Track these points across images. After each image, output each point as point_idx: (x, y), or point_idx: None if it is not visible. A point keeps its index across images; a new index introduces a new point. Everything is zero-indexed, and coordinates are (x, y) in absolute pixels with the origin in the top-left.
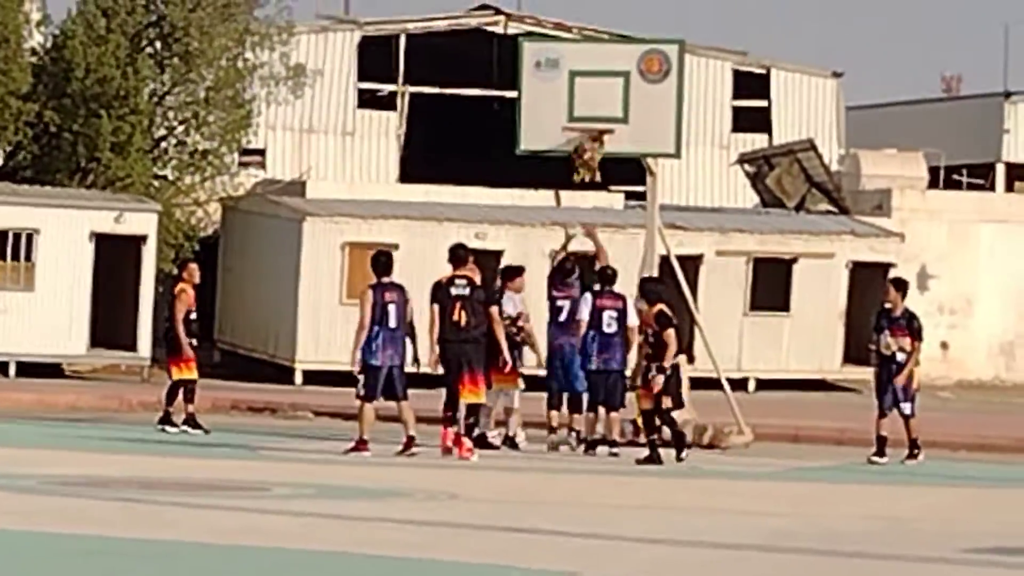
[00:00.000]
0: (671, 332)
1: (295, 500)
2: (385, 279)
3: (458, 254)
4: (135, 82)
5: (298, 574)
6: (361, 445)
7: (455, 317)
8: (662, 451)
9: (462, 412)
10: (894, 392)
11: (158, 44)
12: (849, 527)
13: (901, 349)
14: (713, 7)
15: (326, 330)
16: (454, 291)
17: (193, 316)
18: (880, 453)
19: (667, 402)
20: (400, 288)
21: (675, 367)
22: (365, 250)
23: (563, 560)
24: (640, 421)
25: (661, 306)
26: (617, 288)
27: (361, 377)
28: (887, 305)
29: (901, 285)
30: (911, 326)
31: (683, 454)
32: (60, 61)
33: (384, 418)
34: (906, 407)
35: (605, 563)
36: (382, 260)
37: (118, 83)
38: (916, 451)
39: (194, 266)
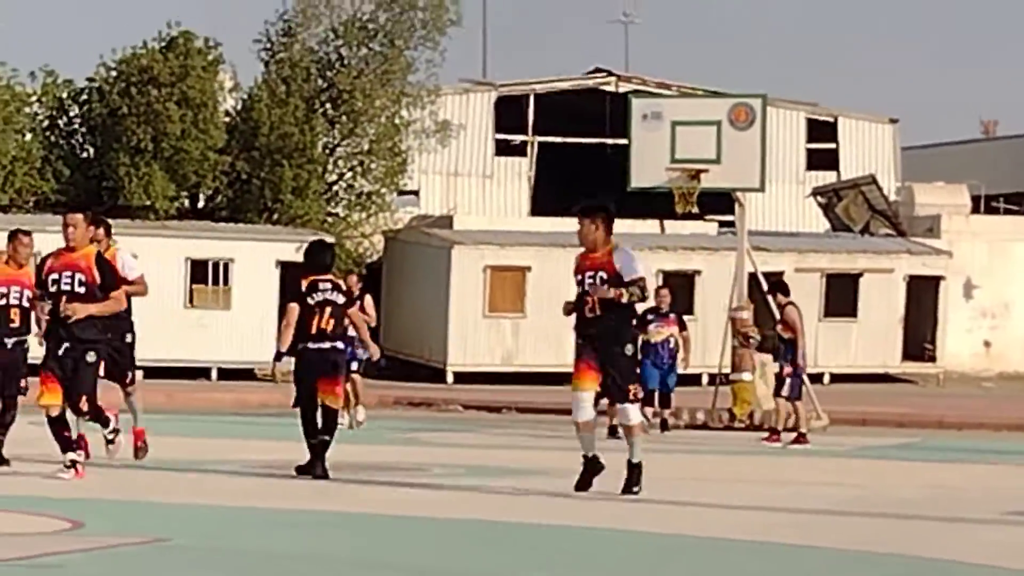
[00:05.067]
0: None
1: (449, 478)
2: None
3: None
4: (311, 137)
5: (458, 540)
6: None
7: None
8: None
9: None
10: None
11: (329, 105)
12: (911, 495)
13: None
14: (789, 66)
15: (472, 337)
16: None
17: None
18: None
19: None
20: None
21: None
22: (503, 272)
23: (660, 524)
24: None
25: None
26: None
27: None
28: None
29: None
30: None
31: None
32: (249, 120)
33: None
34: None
35: (705, 526)
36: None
37: (297, 138)
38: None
39: (353, 278)
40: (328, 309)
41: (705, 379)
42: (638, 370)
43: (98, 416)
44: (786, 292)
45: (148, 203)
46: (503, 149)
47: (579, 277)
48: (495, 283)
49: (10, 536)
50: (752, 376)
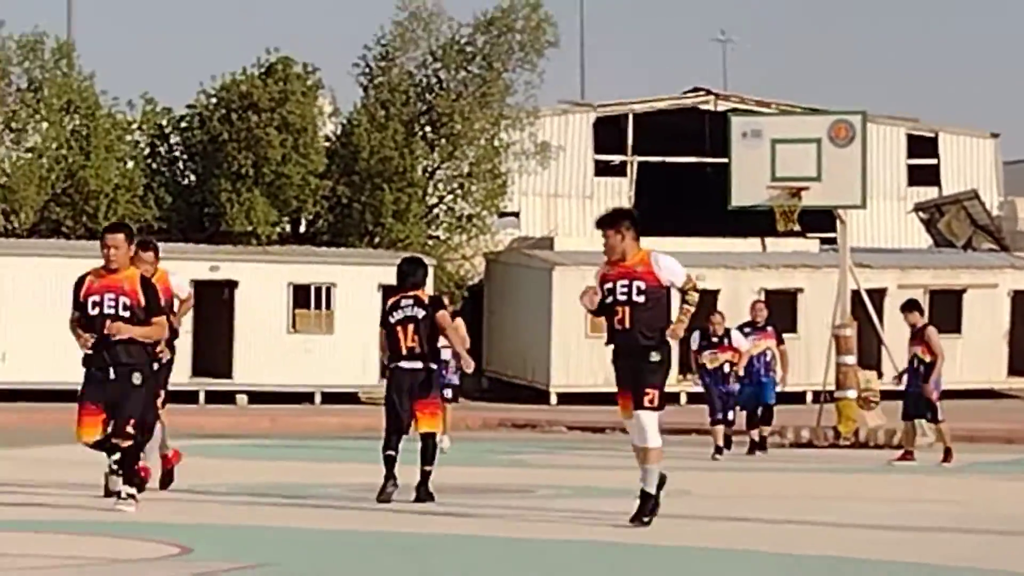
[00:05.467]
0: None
1: (556, 499)
2: None
3: None
4: (410, 160)
5: (570, 562)
6: None
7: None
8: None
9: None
10: None
11: (428, 128)
12: (1018, 511)
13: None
14: (889, 81)
15: (575, 359)
16: None
17: None
18: None
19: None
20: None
21: None
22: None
23: (771, 543)
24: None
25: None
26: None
27: None
28: None
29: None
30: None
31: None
32: (349, 145)
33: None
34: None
35: (805, 544)
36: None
37: (397, 162)
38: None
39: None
40: (411, 326)
41: (809, 397)
42: (665, 377)
43: (135, 455)
44: (922, 312)
45: (250, 229)
46: (603, 169)
47: (609, 286)
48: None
49: (120, 562)
50: (857, 393)
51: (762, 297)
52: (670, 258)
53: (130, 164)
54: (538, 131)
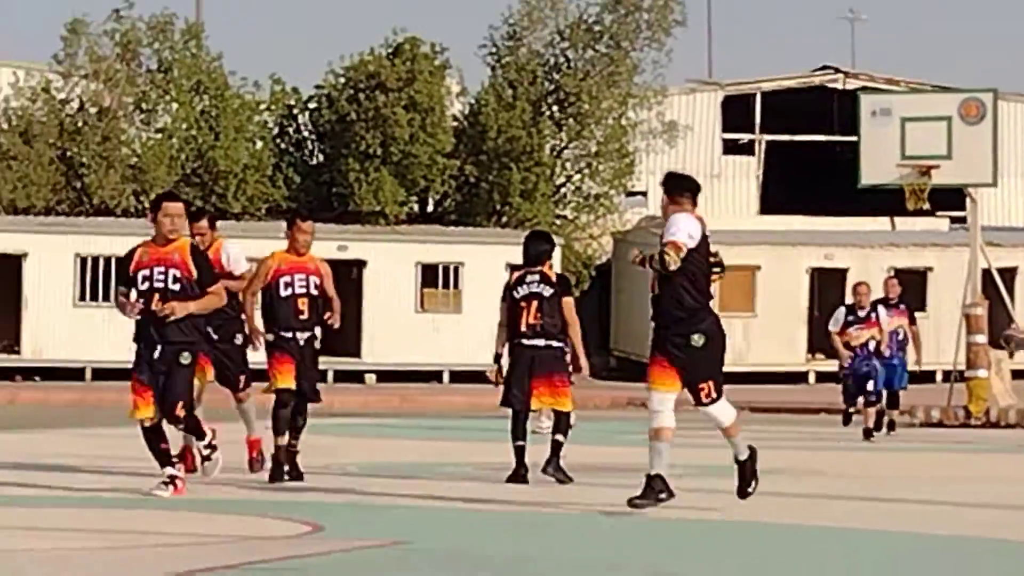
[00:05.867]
0: None
1: (689, 478)
2: None
3: None
4: (538, 140)
5: (709, 541)
6: None
7: None
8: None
9: None
10: None
11: (555, 108)
12: None
13: None
14: (1020, 58)
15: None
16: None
17: None
18: None
19: None
20: None
21: None
22: (732, 271)
23: (901, 522)
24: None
25: None
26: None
27: None
28: None
29: None
30: None
31: None
32: (476, 125)
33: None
34: None
35: (935, 524)
36: None
37: (524, 141)
38: None
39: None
40: (535, 302)
41: (939, 376)
42: (717, 364)
43: (195, 428)
44: None
45: (378, 208)
46: (730, 148)
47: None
48: (725, 282)
49: (252, 540)
50: (988, 372)
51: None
52: (677, 217)
53: (259, 144)
54: (666, 110)
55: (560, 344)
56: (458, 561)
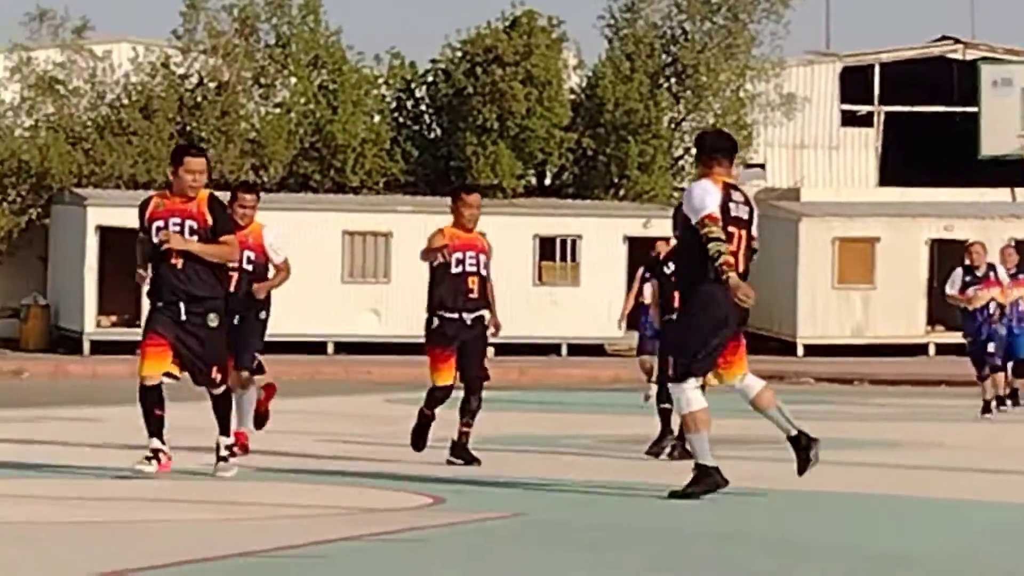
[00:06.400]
0: None
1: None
2: None
3: None
4: (656, 112)
5: (810, 512)
6: None
7: None
8: None
9: None
10: None
11: (673, 80)
12: None
13: None
14: None
15: (821, 310)
16: None
17: None
18: None
19: None
20: None
21: None
22: (852, 243)
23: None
24: None
25: None
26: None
27: None
28: None
29: None
30: None
31: None
32: (594, 98)
33: (876, 381)
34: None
35: None
36: None
37: (642, 114)
38: None
39: None
40: None
41: None
42: (688, 338)
43: (226, 413)
44: None
45: (495, 182)
46: (849, 120)
47: None
48: (844, 255)
49: (375, 511)
50: None
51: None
52: (691, 187)
53: (376, 118)
54: (783, 82)
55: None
56: (575, 533)
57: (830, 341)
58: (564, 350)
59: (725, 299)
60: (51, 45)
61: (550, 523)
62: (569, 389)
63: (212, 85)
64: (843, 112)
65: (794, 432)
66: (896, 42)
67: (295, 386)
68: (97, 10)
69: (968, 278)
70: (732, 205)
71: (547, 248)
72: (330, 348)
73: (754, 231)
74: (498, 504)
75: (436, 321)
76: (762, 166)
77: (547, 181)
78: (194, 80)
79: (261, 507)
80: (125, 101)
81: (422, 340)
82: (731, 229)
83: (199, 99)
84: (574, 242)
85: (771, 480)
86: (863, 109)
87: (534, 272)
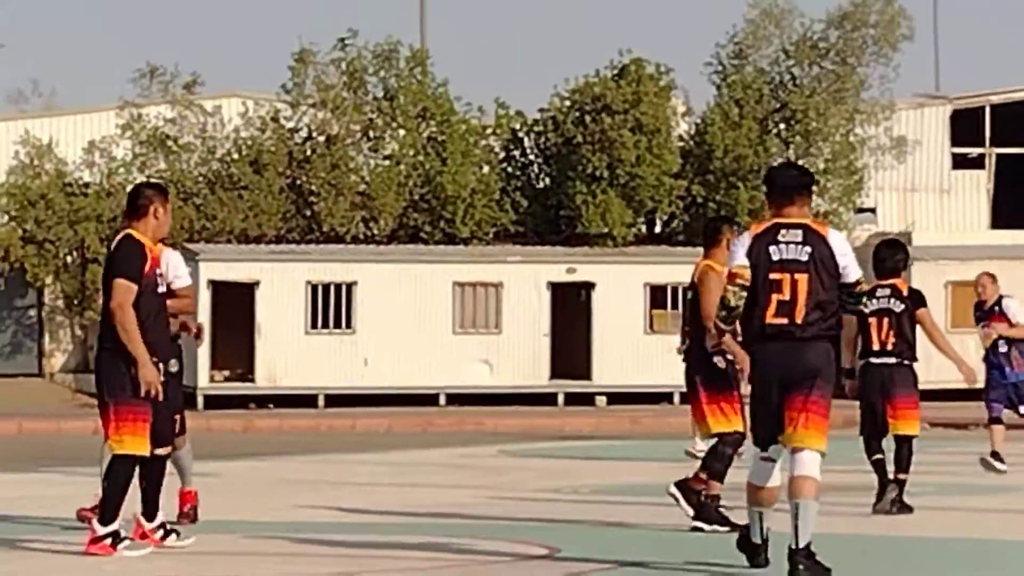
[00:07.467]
0: None
1: (922, 497)
2: None
3: None
4: (765, 158)
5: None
6: None
7: None
8: None
9: None
10: None
11: (782, 126)
12: None
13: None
14: None
15: (936, 355)
16: None
17: None
18: None
19: None
20: None
21: None
22: (965, 287)
23: None
24: None
25: None
26: None
27: None
28: None
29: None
30: None
31: None
32: (703, 144)
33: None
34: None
35: None
36: None
37: (751, 160)
38: None
39: None
40: (887, 319)
41: None
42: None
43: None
44: None
45: (605, 230)
46: (960, 162)
47: None
48: (957, 299)
49: (493, 563)
50: None
51: None
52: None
53: (485, 169)
54: (893, 125)
55: (910, 363)
56: None
57: (942, 385)
58: (676, 398)
59: (766, 358)
60: (162, 101)
61: (670, 571)
62: (682, 438)
63: (321, 139)
64: (954, 155)
65: (793, 545)
66: (1006, 83)
67: (409, 438)
68: (207, 66)
69: (977, 313)
70: (775, 249)
71: (658, 296)
72: (442, 399)
73: (843, 271)
74: (613, 553)
75: (725, 364)
76: (873, 210)
77: (657, 229)
78: (303, 134)
79: (378, 559)
80: (235, 156)
81: (533, 390)
82: (774, 276)
83: (308, 152)
84: (685, 291)
85: (912, 526)
86: (974, 151)
87: (645, 320)
